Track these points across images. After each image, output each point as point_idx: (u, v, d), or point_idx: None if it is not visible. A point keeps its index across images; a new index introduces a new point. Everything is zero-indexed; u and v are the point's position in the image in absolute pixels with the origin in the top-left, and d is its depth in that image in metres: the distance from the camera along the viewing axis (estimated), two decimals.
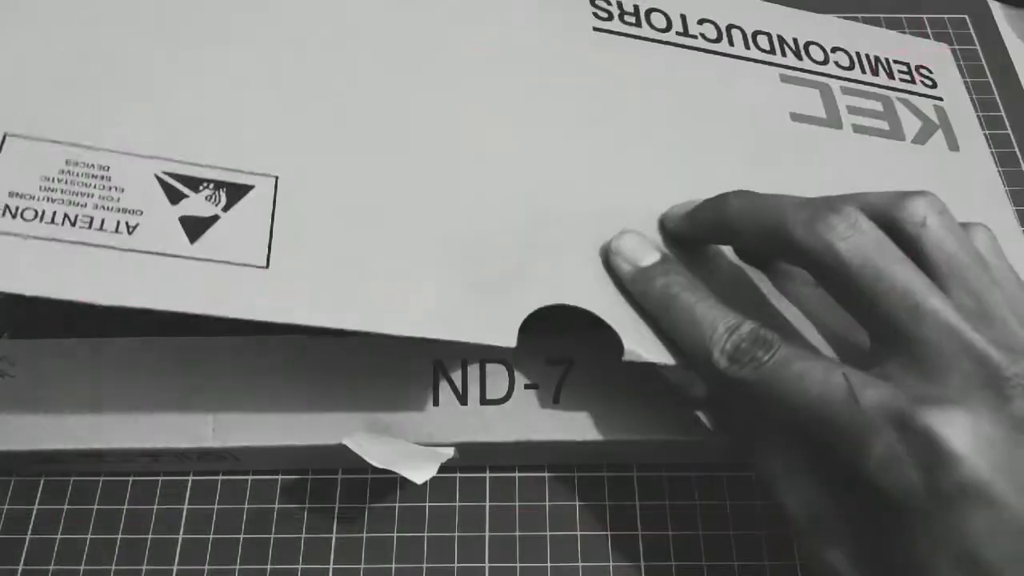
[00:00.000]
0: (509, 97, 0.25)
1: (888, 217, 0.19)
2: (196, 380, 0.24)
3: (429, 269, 0.21)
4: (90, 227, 0.18)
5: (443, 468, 0.23)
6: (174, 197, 0.20)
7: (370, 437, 0.23)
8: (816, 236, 0.19)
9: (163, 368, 0.25)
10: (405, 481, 0.22)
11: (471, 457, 0.25)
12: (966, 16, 0.40)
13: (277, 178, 0.21)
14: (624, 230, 0.22)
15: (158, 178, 0.20)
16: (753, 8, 0.30)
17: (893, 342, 0.18)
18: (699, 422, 0.24)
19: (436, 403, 0.24)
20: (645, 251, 0.22)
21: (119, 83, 0.21)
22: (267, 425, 0.24)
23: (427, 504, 0.26)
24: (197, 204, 0.20)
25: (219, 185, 0.20)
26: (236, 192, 0.20)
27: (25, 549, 0.25)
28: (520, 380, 0.25)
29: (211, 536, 0.26)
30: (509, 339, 0.20)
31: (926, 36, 0.39)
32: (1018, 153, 0.35)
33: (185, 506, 0.26)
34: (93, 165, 0.19)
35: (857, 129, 0.28)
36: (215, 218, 0.20)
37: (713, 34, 0.29)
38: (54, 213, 0.18)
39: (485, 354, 0.25)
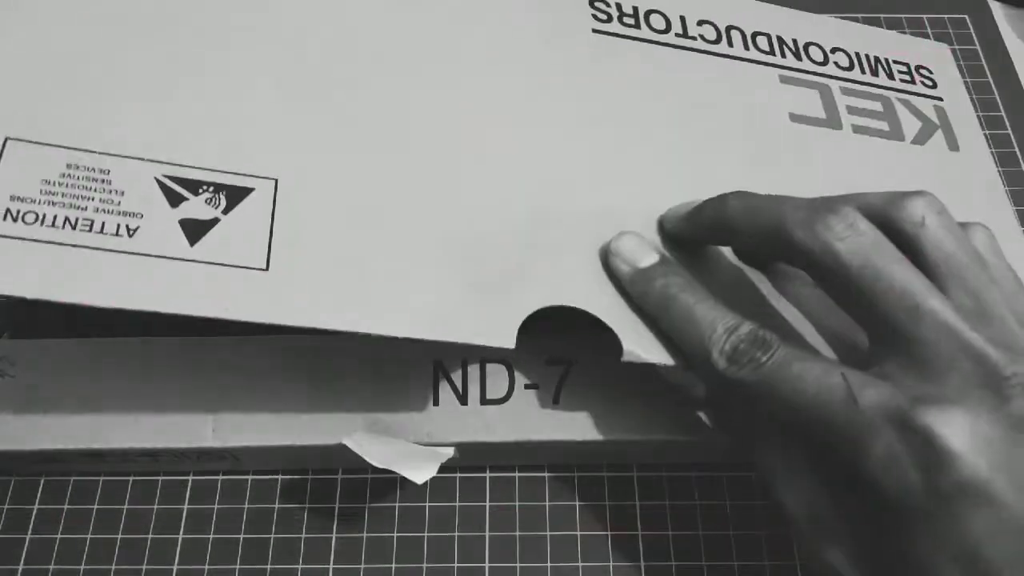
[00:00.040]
0: (508, 98, 0.25)
1: (887, 217, 0.19)
2: (196, 380, 0.24)
3: (429, 270, 0.21)
4: (91, 230, 0.19)
5: (443, 468, 0.23)
6: (174, 200, 0.20)
7: (370, 437, 0.23)
8: (814, 237, 0.19)
9: (163, 368, 0.25)
10: (405, 481, 0.22)
11: (471, 457, 0.25)
12: (966, 16, 0.40)
13: (277, 180, 0.21)
14: (623, 231, 0.22)
15: (158, 181, 0.20)
16: (752, 9, 0.30)
17: (892, 342, 0.18)
18: (699, 422, 0.24)
19: (436, 403, 0.24)
20: (644, 252, 0.22)
21: (119, 86, 0.21)
22: (267, 425, 0.24)
23: (427, 504, 0.26)
24: (197, 207, 0.20)
25: (219, 188, 0.20)
26: (236, 195, 0.20)
27: (25, 549, 0.25)
28: (520, 380, 0.25)
29: (211, 536, 0.26)
30: (508, 340, 0.20)
31: (926, 36, 0.39)
32: (1018, 153, 0.35)
33: (185, 506, 0.26)
34: (93, 168, 0.19)
35: (857, 129, 0.28)
36: (215, 221, 0.20)
37: (712, 35, 0.29)
38: (55, 216, 0.19)
39: (485, 354, 0.25)
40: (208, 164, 0.20)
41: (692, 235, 0.23)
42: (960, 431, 0.16)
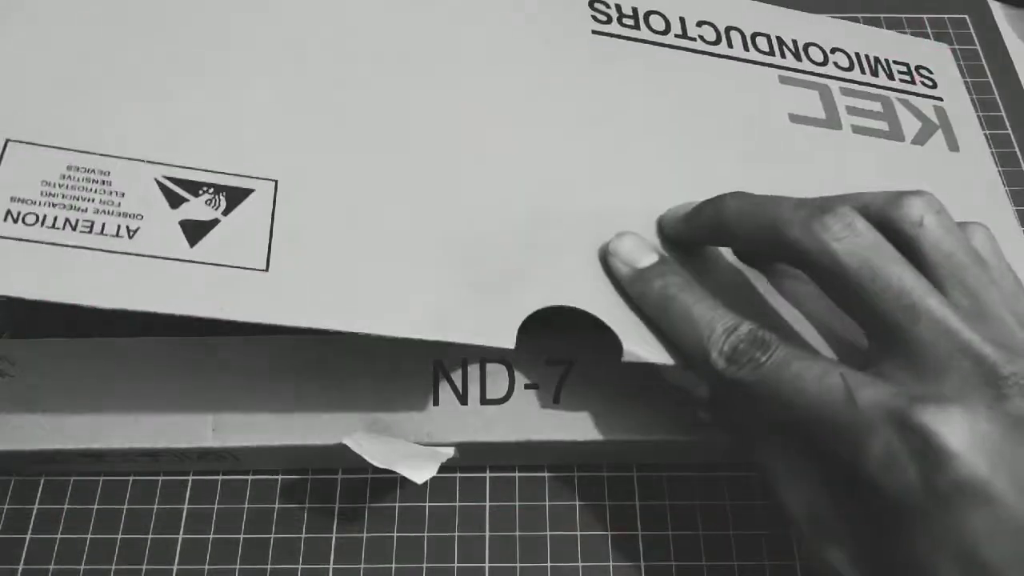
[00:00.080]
0: (508, 98, 0.25)
1: (885, 217, 0.19)
2: (196, 380, 0.24)
3: (429, 271, 0.21)
4: (91, 231, 0.19)
5: (443, 468, 0.23)
6: (174, 201, 0.20)
7: (370, 437, 0.23)
8: (812, 237, 0.19)
9: (163, 368, 0.25)
10: (405, 481, 0.22)
11: (471, 457, 0.25)
12: (966, 16, 0.40)
13: (277, 182, 0.21)
14: (621, 232, 0.23)
15: (158, 183, 0.20)
16: (752, 10, 0.30)
17: (890, 342, 0.18)
18: (699, 422, 0.24)
19: (436, 403, 0.24)
20: (642, 252, 0.22)
21: (120, 87, 0.21)
22: (267, 425, 0.24)
23: (427, 504, 0.26)
24: (197, 208, 0.20)
25: (219, 189, 0.20)
26: (236, 196, 0.20)
27: (25, 549, 0.25)
28: (520, 380, 0.25)
29: (211, 536, 0.26)
30: (508, 341, 0.21)
31: (926, 36, 0.39)
32: (1018, 153, 0.35)
33: (185, 506, 0.26)
34: (94, 170, 0.20)
35: (856, 130, 0.28)
36: (215, 222, 0.20)
37: (712, 36, 0.29)
38: (55, 218, 0.19)
39: (485, 354, 0.25)
40: (208, 165, 0.21)
41: (691, 236, 0.23)
42: (958, 430, 0.16)
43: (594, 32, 0.27)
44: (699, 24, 0.29)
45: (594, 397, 0.24)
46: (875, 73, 0.30)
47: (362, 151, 0.23)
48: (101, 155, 0.20)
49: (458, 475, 0.27)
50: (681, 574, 0.26)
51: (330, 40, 0.24)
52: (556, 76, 0.26)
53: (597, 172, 0.25)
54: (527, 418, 0.24)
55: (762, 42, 0.29)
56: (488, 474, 0.27)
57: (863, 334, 0.20)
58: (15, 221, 0.18)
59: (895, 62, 0.31)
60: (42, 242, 0.18)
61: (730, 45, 0.29)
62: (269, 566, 0.25)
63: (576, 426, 0.24)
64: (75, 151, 0.20)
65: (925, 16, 0.40)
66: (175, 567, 0.25)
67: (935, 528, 0.16)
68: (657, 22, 0.28)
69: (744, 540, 0.26)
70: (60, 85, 0.21)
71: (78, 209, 0.19)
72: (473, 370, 0.25)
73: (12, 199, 0.19)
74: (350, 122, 0.23)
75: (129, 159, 0.20)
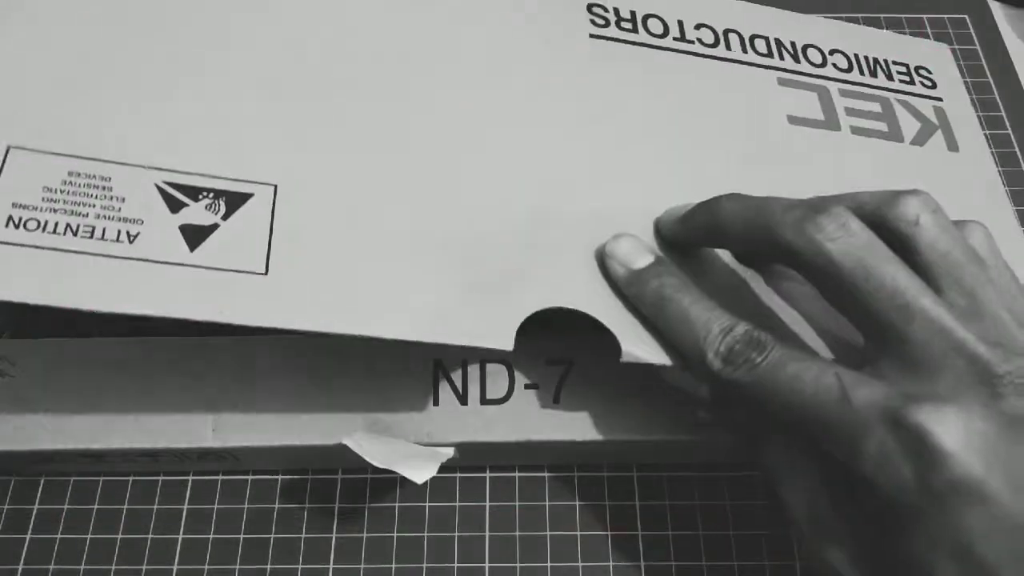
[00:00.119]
0: (506, 101, 0.25)
1: (881, 216, 0.19)
2: (196, 380, 0.25)
3: (428, 272, 0.21)
4: (91, 236, 0.19)
5: (443, 468, 0.23)
6: (174, 206, 0.20)
7: (370, 437, 0.24)
8: (806, 237, 0.19)
9: (163, 368, 0.25)
10: (405, 481, 0.22)
11: (471, 457, 0.25)
12: (966, 16, 0.40)
13: (276, 186, 0.21)
14: (618, 234, 0.23)
15: (159, 188, 0.20)
16: (751, 12, 0.30)
17: (885, 341, 0.18)
18: (699, 422, 0.24)
19: (436, 403, 0.25)
20: (639, 254, 0.22)
21: (120, 93, 0.21)
22: (267, 425, 0.24)
23: (427, 504, 0.26)
24: (197, 213, 0.20)
25: (219, 194, 0.21)
26: (235, 200, 0.21)
27: (25, 549, 0.25)
28: (520, 380, 0.25)
29: (211, 536, 0.26)
30: (507, 342, 0.21)
31: (926, 36, 0.39)
32: (1018, 153, 0.36)
33: (185, 506, 0.26)
34: (94, 176, 0.20)
35: (855, 131, 0.28)
36: (215, 226, 0.20)
37: (710, 39, 0.29)
38: (56, 223, 0.19)
39: (485, 354, 0.25)
40: (208, 170, 0.21)
41: (687, 237, 0.23)
42: (953, 429, 0.16)
43: (592, 36, 0.28)
44: (697, 27, 0.29)
45: (594, 397, 0.25)
46: (874, 74, 0.30)
47: (361, 152, 0.23)
48: (102, 161, 0.20)
49: (458, 475, 0.27)
50: (681, 574, 0.26)
51: (330, 41, 0.24)
52: (555, 78, 0.26)
53: (596, 173, 0.25)
54: (527, 418, 0.24)
55: (760, 44, 0.29)
56: (488, 474, 0.27)
57: (859, 334, 0.20)
58: (17, 227, 0.19)
59: (894, 63, 0.31)
60: (43, 247, 0.19)
61: (728, 47, 0.29)
62: (269, 566, 0.25)
63: (576, 426, 0.24)
64: (76, 157, 0.20)
65: (925, 16, 0.40)
66: (175, 567, 0.25)
67: (931, 527, 0.16)
68: (655, 25, 0.28)
69: (744, 540, 0.26)
70: (60, 89, 0.21)
71: (79, 214, 0.19)
72: (473, 370, 0.25)
73: (14, 205, 0.19)
74: (349, 123, 0.23)
75: (130, 165, 0.20)
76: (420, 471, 0.22)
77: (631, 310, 0.22)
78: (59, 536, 0.26)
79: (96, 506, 0.26)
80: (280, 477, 0.27)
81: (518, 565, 0.26)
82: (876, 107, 0.29)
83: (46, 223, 0.19)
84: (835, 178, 0.23)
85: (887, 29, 0.39)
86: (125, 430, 0.24)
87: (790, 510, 0.20)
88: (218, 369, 0.25)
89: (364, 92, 0.24)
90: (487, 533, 0.26)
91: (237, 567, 0.25)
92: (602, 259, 0.23)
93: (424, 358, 0.25)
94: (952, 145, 0.29)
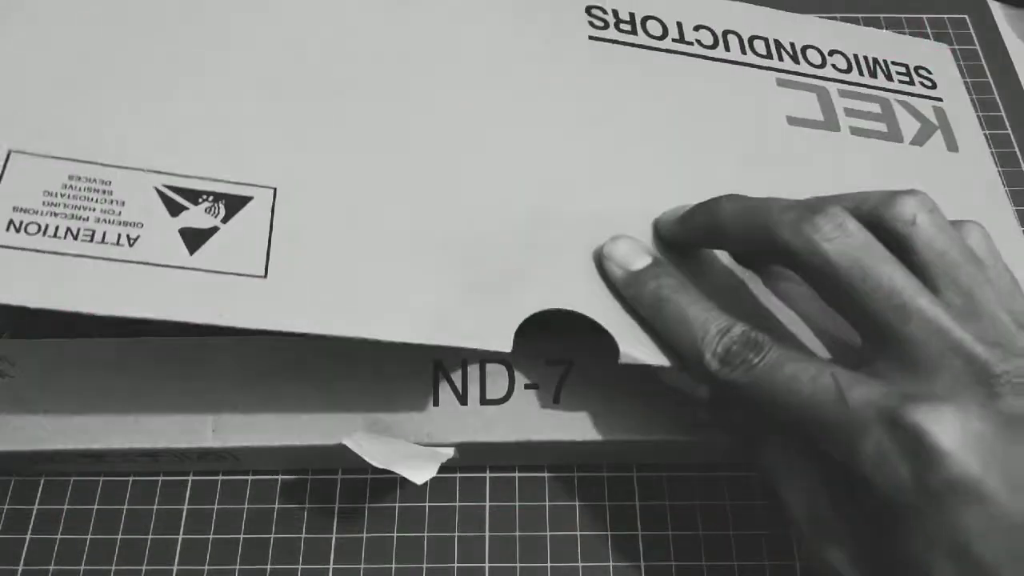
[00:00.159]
0: (505, 103, 0.25)
1: (878, 216, 0.19)
2: (196, 380, 0.25)
3: (427, 274, 0.21)
4: (92, 240, 0.19)
5: (443, 468, 0.23)
6: (174, 209, 0.20)
7: (370, 437, 0.24)
8: (803, 238, 0.19)
9: (163, 368, 0.25)
10: (405, 481, 0.22)
11: (471, 457, 0.25)
12: (966, 16, 0.40)
13: (275, 189, 0.21)
14: (616, 235, 0.23)
15: (158, 191, 0.20)
16: (749, 13, 0.30)
17: (882, 341, 0.19)
18: (699, 422, 0.24)
19: (436, 403, 0.25)
20: (636, 255, 0.22)
21: (120, 96, 0.22)
22: (267, 425, 0.24)
23: (427, 504, 0.27)
24: (197, 216, 0.20)
25: (218, 197, 0.21)
26: (235, 204, 0.21)
27: (25, 549, 0.26)
28: (520, 380, 0.25)
29: (211, 536, 0.26)
30: (505, 344, 0.21)
31: (926, 36, 0.39)
32: (1018, 153, 0.36)
33: (185, 506, 0.26)
34: (95, 180, 0.20)
35: (855, 131, 0.28)
36: (214, 229, 0.20)
37: (709, 40, 0.29)
38: (56, 227, 0.19)
39: (485, 355, 0.25)
40: (208, 173, 0.21)
41: (686, 238, 0.23)
42: (950, 429, 0.16)
43: (591, 38, 0.28)
44: (696, 28, 0.29)
45: (594, 397, 0.25)
46: (873, 74, 0.30)
47: (360, 153, 0.23)
48: (102, 164, 0.20)
49: (458, 475, 0.27)
50: (681, 574, 0.26)
51: (329, 41, 0.24)
52: (554, 80, 0.26)
53: (595, 175, 0.25)
54: (527, 418, 0.24)
55: (760, 45, 0.29)
56: (488, 474, 0.27)
57: (856, 334, 0.20)
58: (17, 231, 0.19)
59: (894, 63, 0.31)
60: (44, 251, 0.19)
61: (727, 49, 0.29)
62: (269, 566, 0.25)
63: (576, 426, 0.24)
64: (76, 161, 0.20)
65: (925, 16, 0.40)
66: (175, 567, 0.25)
67: (928, 526, 0.16)
68: (654, 27, 0.29)
69: (744, 540, 0.26)
70: (61, 92, 0.21)
71: (79, 218, 0.19)
72: (473, 370, 0.25)
73: (15, 209, 0.19)
74: (349, 124, 0.23)
75: (130, 168, 0.20)
76: (420, 471, 0.22)
77: (629, 311, 0.22)
78: (59, 536, 0.26)
79: (96, 506, 0.26)
80: (280, 477, 0.27)
81: (518, 565, 0.26)
82: (876, 107, 0.29)
83: (46, 227, 0.19)
84: (834, 179, 0.23)
85: (887, 29, 0.39)
86: (125, 430, 0.24)
87: (789, 510, 0.20)
88: (218, 369, 0.25)
89: (363, 93, 0.24)
90: (487, 533, 0.26)
91: (237, 567, 0.25)
92: (600, 261, 0.23)
93: (424, 358, 0.25)
94: (952, 145, 0.29)
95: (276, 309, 0.20)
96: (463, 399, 0.25)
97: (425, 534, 0.26)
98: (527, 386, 0.25)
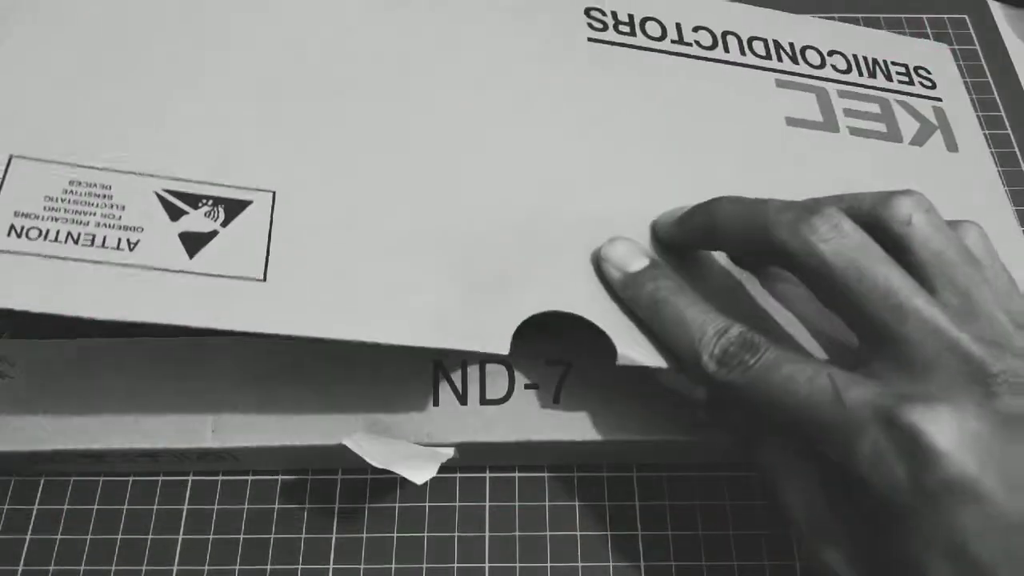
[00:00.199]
0: (504, 106, 0.25)
1: (874, 217, 0.20)
2: (196, 380, 0.25)
3: (426, 277, 0.22)
4: (92, 244, 0.19)
5: (443, 468, 0.23)
6: (174, 214, 0.20)
7: (370, 437, 0.24)
8: (799, 239, 0.19)
9: (163, 368, 0.25)
10: (405, 481, 0.22)
11: (471, 457, 0.25)
12: (966, 16, 0.40)
13: (274, 193, 0.21)
14: (614, 237, 0.23)
15: (158, 195, 0.21)
16: (748, 14, 0.30)
17: (878, 342, 0.19)
18: (699, 422, 0.25)
19: (436, 403, 0.25)
20: (634, 257, 0.22)
21: (120, 101, 0.22)
22: (267, 425, 0.24)
23: (427, 504, 0.27)
24: (196, 220, 0.21)
25: (218, 201, 0.21)
26: (234, 208, 0.21)
27: (25, 549, 0.26)
28: (520, 380, 0.25)
29: (211, 536, 0.26)
30: (503, 346, 0.21)
31: (926, 36, 0.39)
32: (1018, 153, 0.36)
33: (185, 506, 0.26)
34: (95, 184, 0.20)
35: (854, 132, 0.28)
36: (214, 233, 0.20)
37: (708, 41, 0.29)
38: (57, 232, 0.19)
39: (485, 355, 0.25)
40: (208, 177, 0.21)
41: (683, 240, 0.23)
42: (946, 428, 0.16)
43: (590, 40, 0.28)
44: (695, 29, 0.29)
45: (594, 397, 0.25)
46: (873, 75, 0.30)
47: (359, 155, 0.23)
48: (102, 169, 0.21)
49: (458, 475, 0.27)
50: (681, 574, 0.26)
51: (329, 43, 0.25)
52: (553, 82, 0.27)
53: (594, 176, 0.25)
54: (527, 418, 0.25)
55: (759, 46, 0.30)
56: (488, 474, 0.27)
57: (853, 335, 0.20)
58: (19, 236, 0.19)
59: (893, 63, 0.31)
60: (45, 256, 0.19)
61: (726, 50, 0.29)
62: (269, 566, 0.26)
63: (576, 426, 0.24)
64: (77, 166, 0.20)
65: (925, 16, 0.40)
66: (175, 567, 0.25)
67: (925, 526, 0.17)
68: (653, 28, 0.29)
69: (744, 540, 0.26)
70: (61, 97, 0.21)
71: (80, 223, 0.20)
72: (473, 370, 0.25)
73: (16, 214, 0.19)
74: (348, 126, 0.23)
75: (130, 173, 0.21)
76: (420, 471, 0.22)
77: (627, 313, 0.22)
78: (59, 536, 0.26)
79: (96, 506, 0.26)
80: (280, 477, 0.27)
81: (518, 565, 0.26)
82: (875, 108, 0.29)
83: (47, 232, 0.19)
84: (834, 179, 0.24)
85: (887, 29, 0.39)
86: (125, 430, 0.24)
87: (789, 511, 0.20)
88: (218, 369, 0.25)
89: (362, 93, 0.24)
90: (487, 533, 0.26)
91: (237, 567, 0.26)
92: (598, 262, 0.23)
93: (424, 359, 0.25)
94: (951, 145, 0.29)
95: (275, 312, 0.20)
96: (463, 399, 0.25)
97: (425, 534, 0.26)
98: (527, 386, 0.25)
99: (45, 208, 0.20)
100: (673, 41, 0.29)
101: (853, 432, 0.17)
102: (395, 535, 0.26)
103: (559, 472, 0.27)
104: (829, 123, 0.28)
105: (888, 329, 0.18)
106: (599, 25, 0.28)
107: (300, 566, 0.26)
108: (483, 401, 0.25)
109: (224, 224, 0.21)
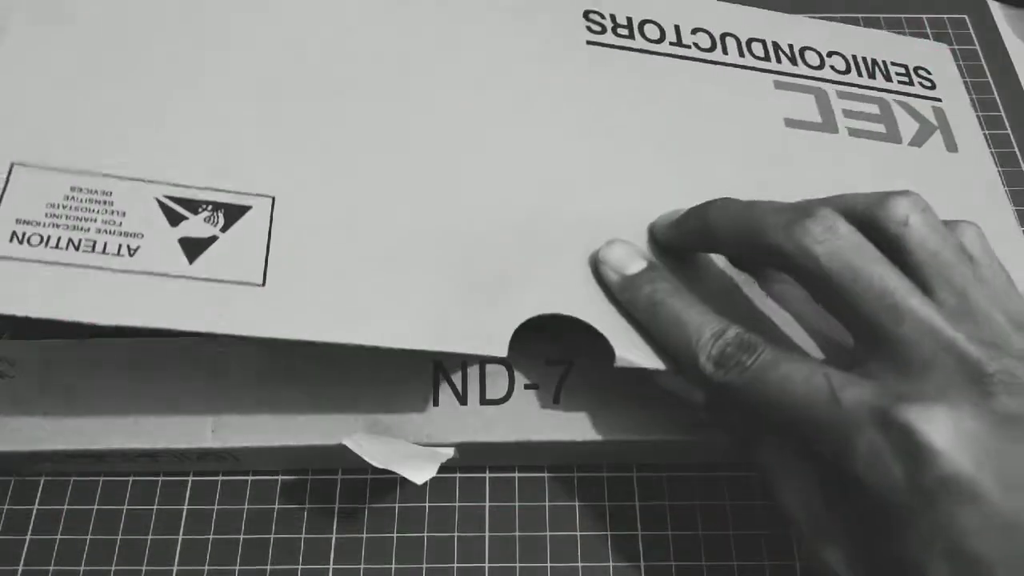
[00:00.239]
0: (503, 108, 0.26)
1: (870, 217, 0.20)
2: (196, 380, 0.25)
3: (424, 280, 0.22)
4: (93, 250, 0.20)
5: (443, 468, 0.23)
6: (174, 219, 0.21)
7: (370, 438, 0.24)
8: (793, 241, 0.19)
9: (163, 368, 0.25)
10: (405, 481, 0.22)
11: (471, 457, 0.25)
12: (966, 16, 0.40)
13: (274, 198, 0.22)
14: (611, 240, 0.23)
15: (159, 202, 0.21)
16: (748, 15, 0.31)
17: (874, 342, 0.19)
18: (699, 422, 0.25)
19: (436, 403, 0.25)
20: (631, 259, 0.22)
21: (121, 108, 0.22)
22: (267, 425, 0.24)
23: (427, 504, 0.27)
24: (196, 226, 0.21)
25: (217, 207, 0.21)
26: (234, 213, 0.21)
27: (25, 549, 0.26)
28: (520, 380, 0.25)
29: (211, 536, 0.26)
30: (500, 349, 0.21)
31: (926, 36, 0.39)
32: (1018, 153, 0.36)
33: (185, 506, 0.26)
34: (96, 191, 0.21)
35: (853, 133, 0.29)
36: (213, 238, 0.21)
37: (707, 43, 0.29)
38: (59, 238, 0.20)
39: (484, 356, 0.25)
40: (207, 182, 0.22)
41: (680, 242, 0.23)
42: (942, 427, 0.16)
43: (589, 43, 0.28)
44: (694, 31, 0.29)
45: (594, 397, 0.25)
46: (872, 75, 0.30)
47: (358, 156, 0.23)
48: (103, 176, 0.21)
49: (458, 475, 0.27)
50: (681, 574, 0.26)
51: (329, 44, 0.25)
52: (553, 82, 0.27)
53: (593, 179, 0.25)
54: (527, 418, 0.25)
55: (757, 48, 0.30)
56: (488, 474, 0.27)
57: (850, 335, 0.20)
58: (21, 242, 0.19)
59: (893, 63, 0.31)
60: (46, 262, 0.19)
61: (725, 52, 0.29)
62: (269, 566, 0.26)
63: (576, 426, 0.24)
64: (78, 173, 0.21)
65: (924, 16, 0.40)
66: (175, 567, 0.26)
67: (922, 526, 0.17)
68: (652, 31, 0.29)
69: (744, 540, 0.26)
70: (63, 107, 0.22)
71: (81, 229, 0.20)
72: (473, 371, 0.26)
73: (18, 220, 0.20)
74: (347, 126, 0.24)
75: (131, 179, 0.21)
76: (420, 471, 0.23)
77: (625, 315, 0.22)
78: (59, 536, 0.26)
79: (96, 506, 0.26)
80: (280, 477, 0.27)
81: (518, 565, 0.26)
82: (874, 108, 0.29)
83: (49, 238, 0.20)
84: (833, 181, 0.24)
85: (887, 29, 0.39)
86: (125, 430, 0.24)
87: (788, 511, 0.20)
88: (218, 369, 0.25)
89: (362, 94, 0.24)
90: (487, 533, 0.26)
91: (237, 567, 0.26)
92: (596, 265, 0.23)
93: (424, 359, 0.25)
94: (951, 145, 0.30)
95: (274, 317, 0.20)
96: (463, 399, 0.25)
97: (425, 534, 0.26)
98: (527, 386, 0.25)
99: (47, 215, 0.20)
100: (672, 43, 0.29)
101: (849, 432, 0.18)
102: (395, 535, 0.26)
103: (559, 472, 0.28)
104: (828, 124, 0.29)
105: (884, 330, 0.18)
106: (598, 28, 0.28)
107: (300, 566, 0.26)
108: (483, 401, 0.25)
109: (223, 229, 0.21)
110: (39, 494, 0.27)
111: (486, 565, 0.26)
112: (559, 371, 0.25)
